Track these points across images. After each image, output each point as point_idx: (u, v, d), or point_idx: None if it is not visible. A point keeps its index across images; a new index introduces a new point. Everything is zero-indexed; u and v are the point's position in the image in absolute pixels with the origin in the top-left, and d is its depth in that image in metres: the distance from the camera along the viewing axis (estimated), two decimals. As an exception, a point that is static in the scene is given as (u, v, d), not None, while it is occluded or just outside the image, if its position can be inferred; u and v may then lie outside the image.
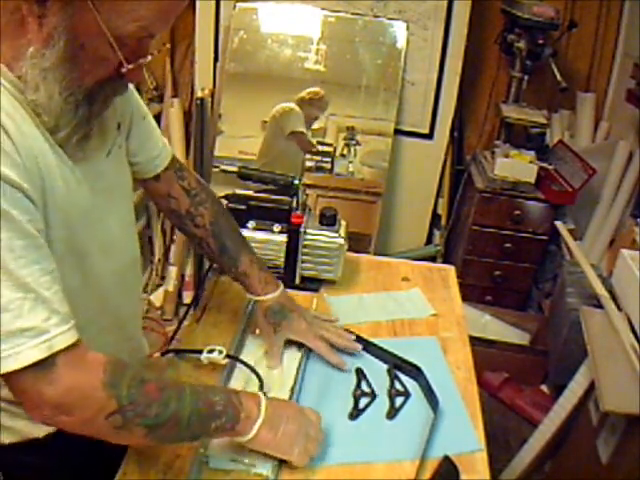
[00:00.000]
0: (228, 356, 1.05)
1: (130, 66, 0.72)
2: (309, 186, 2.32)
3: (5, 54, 0.68)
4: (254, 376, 1.03)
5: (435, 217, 2.86)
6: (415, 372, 1.10)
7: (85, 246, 0.82)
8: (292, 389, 1.04)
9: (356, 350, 1.14)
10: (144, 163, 1.02)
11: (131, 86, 0.93)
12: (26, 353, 0.64)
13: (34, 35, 0.66)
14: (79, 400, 0.69)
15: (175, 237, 2.81)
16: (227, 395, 0.83)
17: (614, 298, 1.77)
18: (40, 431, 0.90)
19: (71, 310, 0.71)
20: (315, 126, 2.59)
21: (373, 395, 1.06)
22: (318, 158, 2.58)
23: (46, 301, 0.66)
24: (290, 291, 1.32)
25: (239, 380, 1.05)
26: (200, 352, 1.05)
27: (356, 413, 1.02)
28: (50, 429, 0.89)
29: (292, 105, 2.52)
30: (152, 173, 1.04)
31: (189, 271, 2.84)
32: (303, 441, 0.88)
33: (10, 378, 0.67)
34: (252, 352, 1.13)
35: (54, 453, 0.92)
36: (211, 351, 1.04)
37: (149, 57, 0.74)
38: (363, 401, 1.05)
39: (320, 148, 2.59)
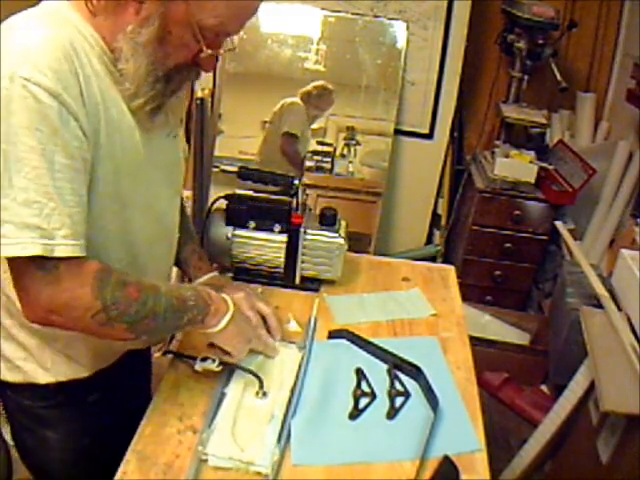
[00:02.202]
0: (222, 363, 1.04)
1: (209, 51, 0.84)
2: (309, 186, 2.33)
3: (104, 28, 0.82)
4: (254, 377, 1.03)
5: (435, 217, 2.87)
6: (415, 372, 1.10)
7: (129, 197, 0.90)
8: (292, 389, 1.04)
9: (276, 337, 1.14)
10: None
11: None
12: (30, 247, 0.74)
13: (133, 17, 0.79)
14: (70, 301, 0.79)
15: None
16: (197, 291, 0.94)
17: (614, 298, 1.77)
18: (42, 378, 0.99)
19: (102, 252, 0.87)
20: (315, 126, 2.59)
21: (373, 395, 1.06)
22: (318, 158, 2.58)
23: (62, 214, 0.76)
24: (290, 291, 1.33)
25: (239, 380, 1.04)
26: (195, 358, 1.04)
27: (356, 413, 1.02)
28: (51, 379, 1.00)
29: (296, 100, 2.51)
30: None
31: (189, 271, 2.83)
32: (255, 340, 1.04)
33: (18, 270, 0.78)
34: (251, 354, 1.13)
35: (50, 403, 1.03)
36: (205, 359, 1.03)
37: (222, 51, 0.88)
38: (363, 401, 1.05)
39: (320, 148, 2.59)
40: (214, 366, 1.02)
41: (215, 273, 1.23)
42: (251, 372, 1.03)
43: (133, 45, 0.80)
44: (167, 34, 0.81)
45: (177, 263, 1.22)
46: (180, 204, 1.20)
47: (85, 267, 0.80)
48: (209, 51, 0.84)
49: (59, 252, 0.76)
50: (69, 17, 0.81)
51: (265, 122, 2.56)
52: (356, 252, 1.51)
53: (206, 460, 0.89)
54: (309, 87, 2.52)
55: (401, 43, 2.54)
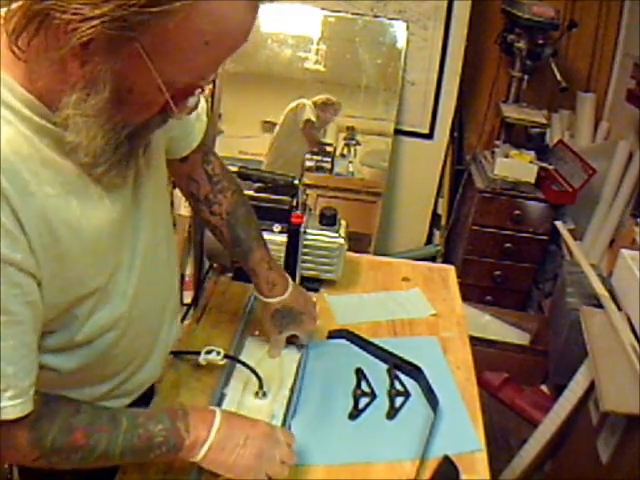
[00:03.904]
0: (227, 357, 1.05)
1: (179, 115, 0.71)
2: (309, 186, 2.33)
3: (42, 90, 0.65)
4: (254, 376, 1.03)
5: (435, 217, 2.86)
6: (415, 372, 1.10)
7: (113, 263, 0.80)
8: (292, 389, 1.04)
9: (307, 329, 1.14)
10: (178, 139, 0.97)
11: None
12: None
13: (77, 80, 0.63)
14: (7, 450, 0.74)
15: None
16: (172, 422, 0.81)
17: (614, 298, 1.77)
18: None
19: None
20: (315, 126, 2.59)
21: (373, 395, 1.06)
22: (318, 158, 2.58)
23: (7, 375, 0.67)
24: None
25: (239, 380, 1.05)
26: (198, 353, 1.05)
27: (356, 413, 1.02)
28: None
29: (307, 100, 2.54)
30: (183, 152, 1.00)
31: (189, 271, 2.83)
32: (265, 464, 0.84)
33: None
34: (252, 352, 1.13)
35: None
36: (209, 352, 1.04)
37: (196, 96, 0.73)
38: (363, 401, 1.05)
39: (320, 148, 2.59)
40: (219, 359, 1.03)
41: (291, 288, 1.11)
42: (252, 370, 1.03)
43: (83, 117, 0.64)
44: (126, 93, 0.64)
45: (245, 270, 1.11)
46: (237, 195, 1.09)
47: (24, 419, 0.71)
48: (180, 114, 0.70)
49: (5, 415, 0.68)
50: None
51: (266, 122, 2.56)
52: (356, 252, 1.51)
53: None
54: (315, 98, 2.54)
55: (401, 43, 2.53)
